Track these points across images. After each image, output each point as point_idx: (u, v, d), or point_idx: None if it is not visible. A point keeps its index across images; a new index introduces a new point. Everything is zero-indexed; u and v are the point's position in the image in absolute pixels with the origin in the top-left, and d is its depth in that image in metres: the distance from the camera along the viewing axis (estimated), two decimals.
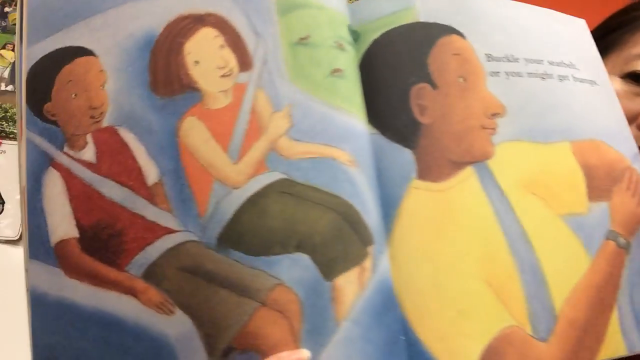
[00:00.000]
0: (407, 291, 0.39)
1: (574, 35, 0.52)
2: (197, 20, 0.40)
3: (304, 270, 0.37)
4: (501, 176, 0.42)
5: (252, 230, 0.37)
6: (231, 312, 0.35)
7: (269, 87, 0.39)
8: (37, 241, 0.36)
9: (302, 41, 0.41)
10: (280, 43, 0.40)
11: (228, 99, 0.39)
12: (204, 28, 0.40)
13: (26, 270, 0.37)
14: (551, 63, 0.47)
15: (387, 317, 0.38)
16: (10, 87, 1.01)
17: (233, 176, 0.37)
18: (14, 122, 0.94)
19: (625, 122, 0.50)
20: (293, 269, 0.36)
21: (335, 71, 0.41)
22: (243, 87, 0.39)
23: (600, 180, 0.45)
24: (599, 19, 0.67)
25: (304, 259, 0.37)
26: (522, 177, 0.43)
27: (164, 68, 0.38)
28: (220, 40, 0.40)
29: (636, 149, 0.49)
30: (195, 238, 0.36)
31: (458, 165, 0.42)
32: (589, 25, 0.54)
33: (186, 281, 0.36)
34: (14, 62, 1.07)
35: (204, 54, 0.39)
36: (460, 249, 0.40)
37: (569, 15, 0.52)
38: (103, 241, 0.36)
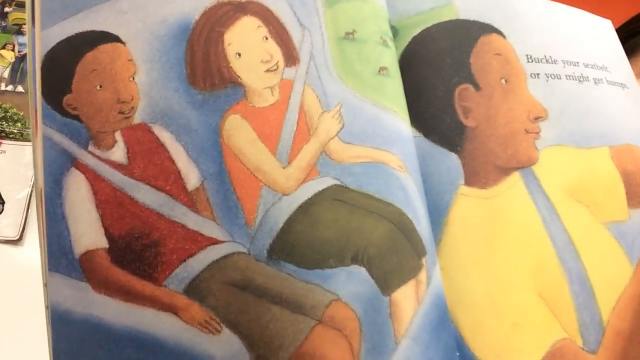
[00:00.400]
0: (461, 305, 0.38)
1: (603, 36, 0.52)
2: (238, 8, 0.37)
3: (361, 285, 0.35)
4: (546, 182, 0.42)
5: (305, 241, 0.35)
6: (285, 330, 0.33)
7: (317, 84, 0.37)
8: (58, 252, 0.33)
9: (349, 36, 0.39)
10: (326, 37, 0.38)
11: (274, 96, 0.36)
12: (246, 17, 0.37)
13: (45, 285, 0.33)
14: (586, 65, 0.47)
15: (443, 333, 0.37)
16: (10, 87, 0.95)
17: (283, 181, 0.35)
18: (14, 122, 0.88)
19: None
20: (349, 283, 0.35)
21: (382, 69, 0.39)
22: (289, 84, 0.37)
23: (638, 187, 0.45)
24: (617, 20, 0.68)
25: (360, 272, 0.35)
26: (566, 184, 0.43)
27: (202, 59, 0.36)
28: (264, 31, 0.37)
29: None
30: (243, 249, 0.34)
31: (504, 171, 0.41)
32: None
33: (234, 297, 0.33)
34: (14, 62, 1.01)
35: (246, 46, 0.37)
36: (511, 259, 0.39)
37: (595, 16, 0.52)
38: (137, 252, 0.33)
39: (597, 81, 0.47)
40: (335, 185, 0.36)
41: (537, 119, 0.43)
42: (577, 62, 0.47)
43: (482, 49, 0.43)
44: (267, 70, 0.37)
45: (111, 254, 0.33)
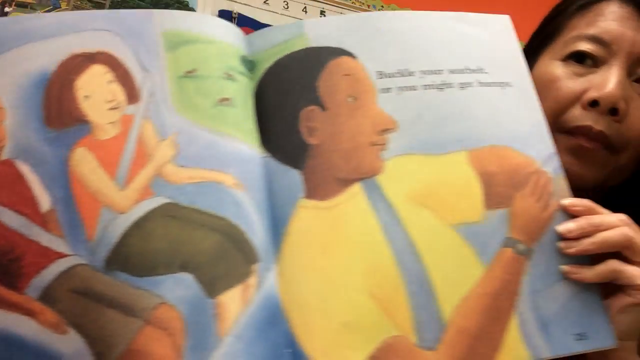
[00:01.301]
0: (294, 306, 0.42)
1: (489, 36, 0.54)
2: (88, 59, 0.44)
3: (187, 289, 0.40)
4: (390, 190, 0.45)
5: (137, 253, 0.41)
6: (118, 330, 0.39)
7: (156, 118, 0.44)
8: None
9: (189, 74, 0.45)
10: (166, 77, 0.45)
11: (116, 129, 0.43)
12: (94, 65, 0.44)
13: None
14: (452, 71, 0.50)
15: (272, 332, 0.41)
16: None
17: (119, 202, 0.41)
18: None
19: (543, 122, 0.51)
20: (176, 288, 0.40)
21: (223, 100, 0.45)
22: (130, 119, 0.43)
23: (500, 187, 0.47)
24: None
25: (187, 278, 0.41)
26: (412, 190, 0.46)
27: (56, 103, 0.43)
28: (110, 76, 0.44)
29: (552, 150, 0.50)
30: (84, 261, 0.40)
31: (346, 182, 0.45)
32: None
33: (77, 302, 0.40)
34: None
35: (93, 89, 0.44)
36: (345, 263, 0.43)
37: (487, 15, 0.54)
38: (4, 266, 0.41)
39: (464, 86, 0.50)
40: (168, 203, 0.42)
41: (384, 131, 0.47)
42: (440, 70, 0.50)
43: (330, 71, 0.48)
44: (110, 108, 0.43)
45: None
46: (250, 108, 0.46)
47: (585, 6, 0.61)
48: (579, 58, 0.59)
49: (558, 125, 0.57)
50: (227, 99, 0.45)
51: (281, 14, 1.99)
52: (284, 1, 2.02)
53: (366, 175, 0.46)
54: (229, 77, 0.46)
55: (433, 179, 0.47)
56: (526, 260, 0.46)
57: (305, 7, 2.04)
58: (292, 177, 0.45)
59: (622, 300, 0.46)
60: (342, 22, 0.50)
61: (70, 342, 0.39)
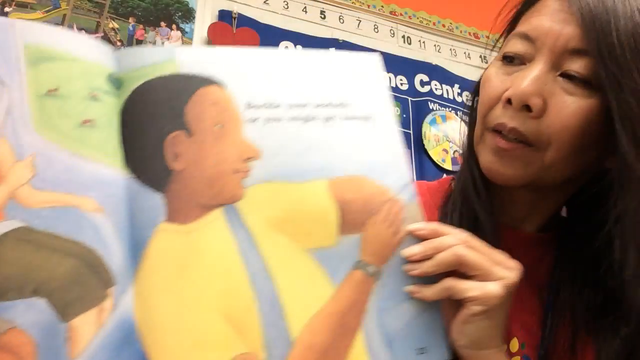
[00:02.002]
0: (148, 326, 0.43)
1: (356, 72, 0.56)
2: None
3: (40, 314, 0.40)
4: (249, 216, 0.47)
5: None
6: None
7: (12, 136, 0.42)
8: None
9: (51, 93, 0.44)
10: (27, 94, 0.43)
11: None
12: None
13: None
14: (318, 106, 0.52)
15: (125, 352, 0.42)
16: None
17: None
18: None
19: (402, 152, 0.55)
20: (28, 313, 0.40)
21: (86, 122, 0.44)
22: None
23: (355, 214, 0.50)
24: None
25: (39, 303, 0.40)
26: (271, 216, 0.48)
27: None
28: None
29: (408, 179, 0.53)
30: None
31: (207, 207, 0.46)
32: None
33: None
34: None
35: None
36: (201, 285, 0.45)
37: (357, 53, 0.57)
38: None
39: (327, 119, 0.52)
40: (21, 227, 0.41)
41: (248, 159, 0.48)
42: (306, 104, 0.52)
43: (198, 99, 0.48)
44: None
45: None
46: (116, 128, 0.46)
47: (530, 3, 0.61)
48: (510, 58, 0.59)
49: (485, 124, 0.59)
50: (90, 120, 0.45)
51: (281, 14, 1.96)
52: (284, 1, 1.98)
53: (227, 201, 0.47)
54: (94, 97, 0.45)
55: (291, 206, 0.49)
56: (375, 281, 0.50)
57: (305, 7, 2.01)
58: (154, 200, 0.46)
59: (463, 312, 0.50)
60: (213, 52, 0.51)
61: None
